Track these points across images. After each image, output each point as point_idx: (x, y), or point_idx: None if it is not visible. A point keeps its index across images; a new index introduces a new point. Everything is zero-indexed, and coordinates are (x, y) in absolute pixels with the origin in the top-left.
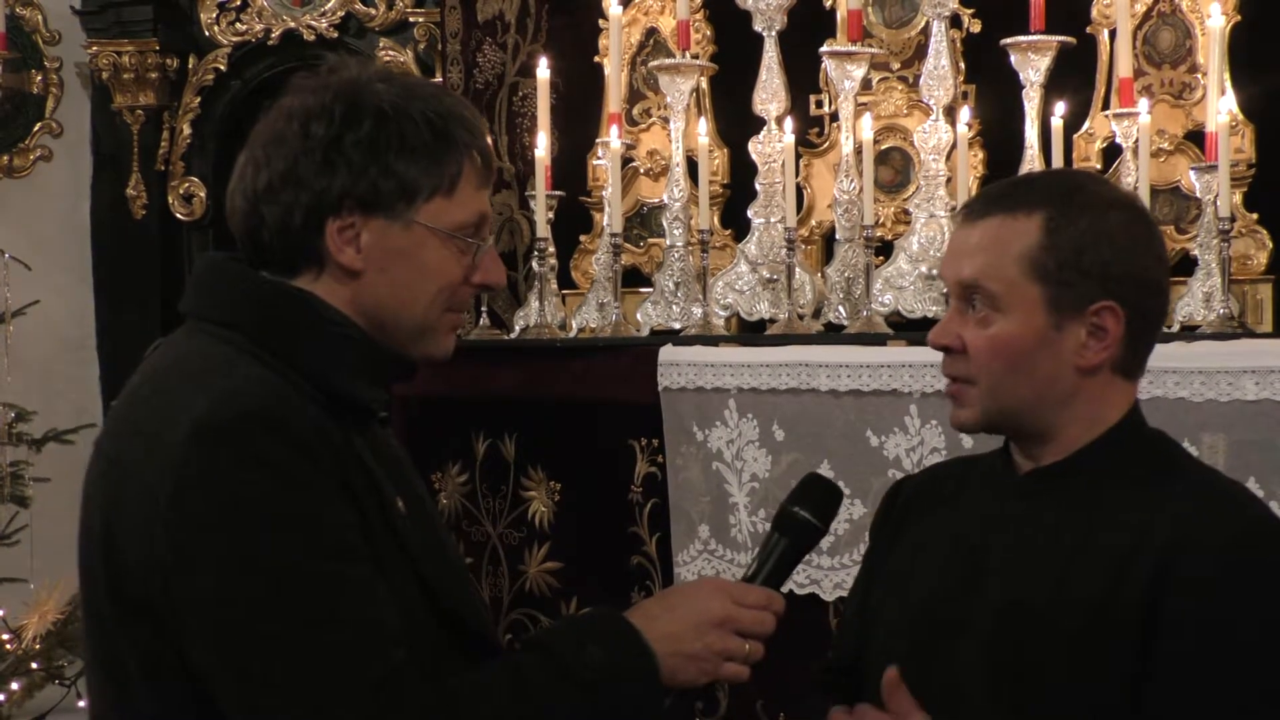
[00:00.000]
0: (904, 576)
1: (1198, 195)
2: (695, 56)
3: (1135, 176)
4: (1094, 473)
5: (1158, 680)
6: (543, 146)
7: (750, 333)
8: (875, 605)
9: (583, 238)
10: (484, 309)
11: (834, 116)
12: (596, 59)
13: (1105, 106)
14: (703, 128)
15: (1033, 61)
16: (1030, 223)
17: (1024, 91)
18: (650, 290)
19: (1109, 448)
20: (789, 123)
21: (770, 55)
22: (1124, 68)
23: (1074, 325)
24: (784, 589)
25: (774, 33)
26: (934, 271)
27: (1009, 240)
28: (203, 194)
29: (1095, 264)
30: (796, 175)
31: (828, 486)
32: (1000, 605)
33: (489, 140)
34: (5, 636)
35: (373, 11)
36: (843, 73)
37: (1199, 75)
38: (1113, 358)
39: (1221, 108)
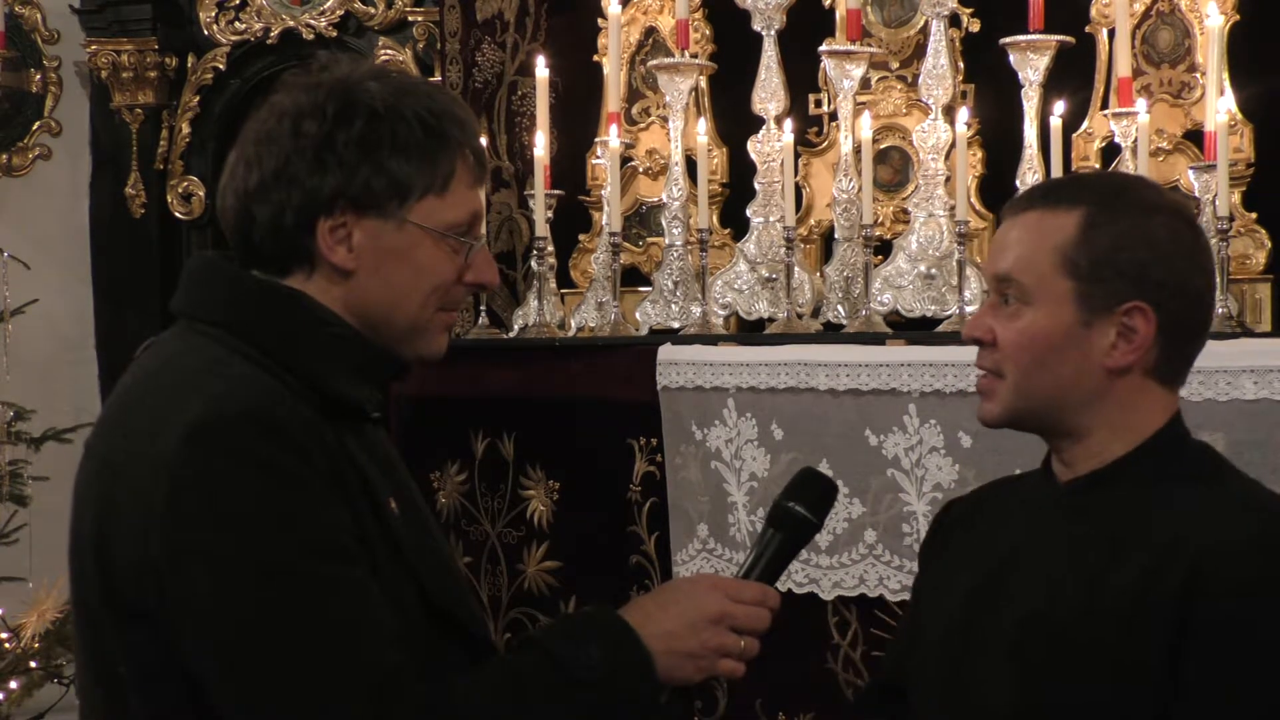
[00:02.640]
0: (944, 594)
1: (1196, 195)
2: (694, 56)
3: None
4: (1132, 482)
5: (1188, 688)
6: (541, 145)
7: (749, 332)
8: (920, 625)
9: (582, 237)
10: (483, 308)
11: (833, 116)
12: (595, 58)
13: (1104, 106)
14: (702, 127)
15: (1032, 61)
16: (1069, 218)
17: (1023, 91)
18: (649, 289)
19: (1148, 457)
20: (788, 122)
21: (769, 54)
22: (1123, 67)
23: (1104, 324)
24: (782, 588)
25: (773, 32)
26: (933, 271)
27: (1045, 234)
28: (202, 193)
29: (1131, 264)
30: (795, 174)
31: (823, 481)
32: (1030, 617)
33: (483, 138)
34: (4, 635)
35: (372, 10)
36: (842, 72)
37: (1198, 75)
38: (1144, 361)
39: (1220, 107)
